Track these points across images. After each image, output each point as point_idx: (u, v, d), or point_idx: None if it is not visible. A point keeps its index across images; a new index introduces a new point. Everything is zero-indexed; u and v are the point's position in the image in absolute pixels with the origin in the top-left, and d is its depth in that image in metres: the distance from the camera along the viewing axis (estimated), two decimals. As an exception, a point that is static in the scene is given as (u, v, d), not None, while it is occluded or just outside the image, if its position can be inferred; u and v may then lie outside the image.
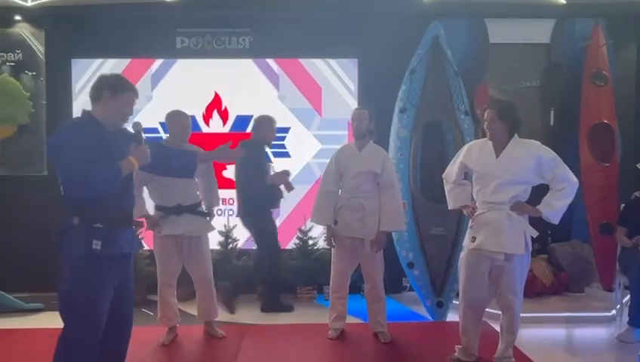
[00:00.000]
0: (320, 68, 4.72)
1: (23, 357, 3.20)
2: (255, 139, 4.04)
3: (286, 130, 4.70)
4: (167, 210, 3.20)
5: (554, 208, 2.68)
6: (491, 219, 2.67)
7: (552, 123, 4.81)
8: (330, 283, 3.40)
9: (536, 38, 4.78)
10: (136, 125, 2.26)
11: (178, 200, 3.20)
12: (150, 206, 3.34)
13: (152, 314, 4.14)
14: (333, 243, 3.30)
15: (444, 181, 3.02)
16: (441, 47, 4.09)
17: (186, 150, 2.83)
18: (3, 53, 4.56)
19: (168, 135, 3.36)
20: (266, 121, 4.07)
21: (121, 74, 2.34)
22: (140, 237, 4.55)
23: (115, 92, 2.15)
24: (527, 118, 5.02)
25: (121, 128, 2.28)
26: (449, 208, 3.03)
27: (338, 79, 4.72)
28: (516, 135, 2.75)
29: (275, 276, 4.08)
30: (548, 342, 3.52)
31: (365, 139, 3.30)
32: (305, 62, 4.71)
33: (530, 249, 2.76)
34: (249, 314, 3.54)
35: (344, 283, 3.36)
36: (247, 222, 4.09)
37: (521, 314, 3.91)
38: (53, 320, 3.86)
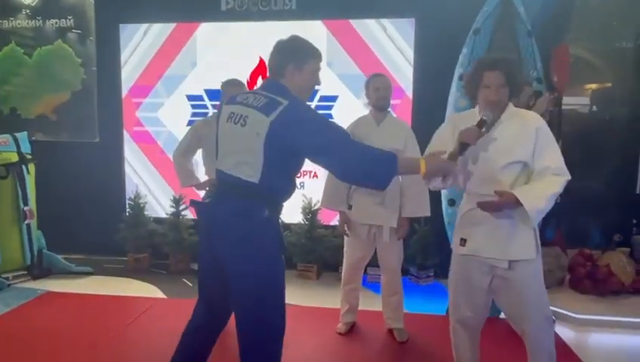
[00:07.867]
0: (372, 30, 4.28)
1: (69, 319, 3.27)
2: None
3: (333, 98, 4.35)
4: None
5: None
6: (484, 217, 2.00)
7: (649, 91, 4.06)
8: (342, 274, 3.08)
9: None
10: (486, 115, 1.91)
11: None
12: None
13: (191, 285, 4.10)
14: (347, 232, 2.95)
15: None
16: (512, 1, 3.51)
17: None
18: (56, 20, 4.60)
19: None
20: None
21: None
22: None
23: (299, 64, 1.78)
24: (619, 85, 4.35)
25: None
26: None
27: (392, 42, 4.26)
28: (511, 103, 2.04)
29: None
30: (624, 352, 3.01)
31: (384, 111, 2.90)
32: (356, 24, 4.29)
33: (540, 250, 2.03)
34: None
35: (358, 274, 3.05)
36: None
37: (592, 317, 3.43)
38: (101, 285, 4.01)
